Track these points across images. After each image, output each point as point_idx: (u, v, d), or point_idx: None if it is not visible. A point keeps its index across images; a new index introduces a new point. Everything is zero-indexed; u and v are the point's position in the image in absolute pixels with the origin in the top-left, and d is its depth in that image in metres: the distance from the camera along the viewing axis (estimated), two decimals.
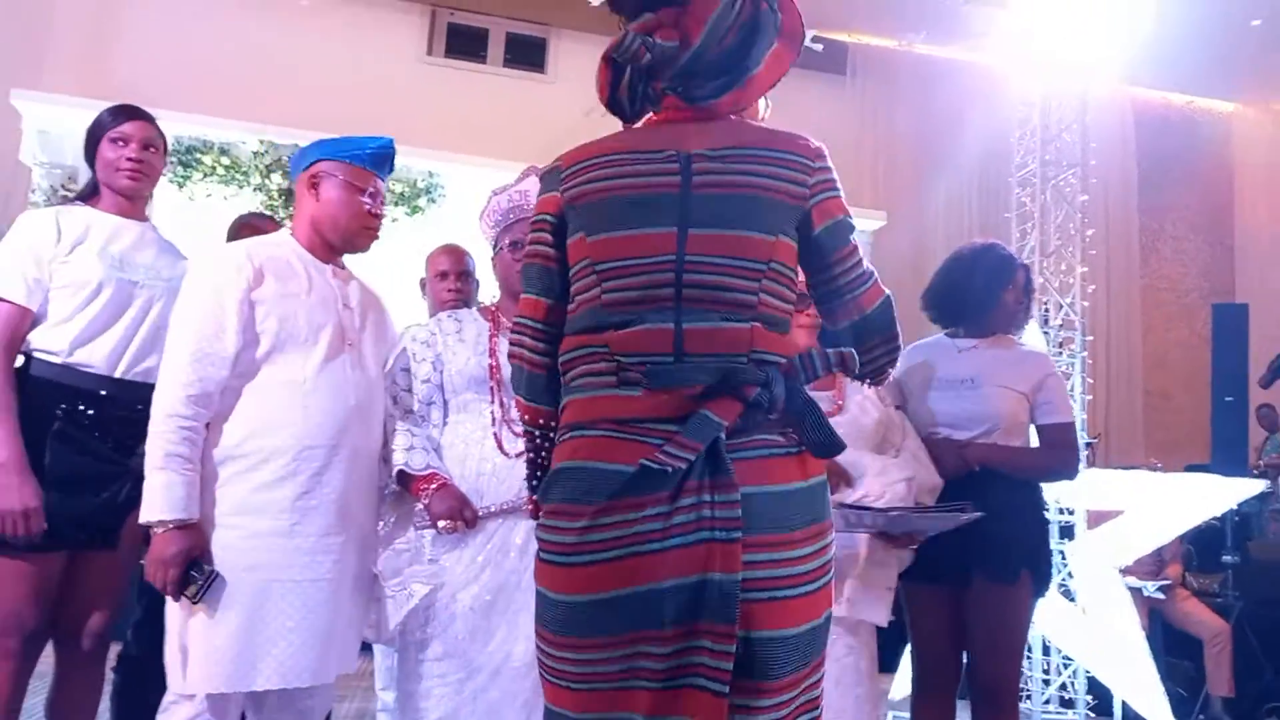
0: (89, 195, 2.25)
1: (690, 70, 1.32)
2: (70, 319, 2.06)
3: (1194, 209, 8.54)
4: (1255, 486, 4.28)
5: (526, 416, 1.46)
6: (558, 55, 6.74)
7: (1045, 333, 4.62)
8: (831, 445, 1.26)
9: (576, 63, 6.61)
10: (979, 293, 2.57)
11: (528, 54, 6.73)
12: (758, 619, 1.18)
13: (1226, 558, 5.06)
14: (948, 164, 6.97)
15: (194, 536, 1.78)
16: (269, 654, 1.81)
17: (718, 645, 1.16)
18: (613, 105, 1.40)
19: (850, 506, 2.07)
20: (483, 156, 5.75)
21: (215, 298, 1.88)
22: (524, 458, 1.52)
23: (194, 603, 1.78)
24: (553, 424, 1.42)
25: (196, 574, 1.77)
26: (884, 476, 2.25)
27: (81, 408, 2.05)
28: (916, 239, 6.85)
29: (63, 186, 5.61)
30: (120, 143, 2.18)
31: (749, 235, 1.27)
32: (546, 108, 6.41)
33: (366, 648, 2.72)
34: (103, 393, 2.04)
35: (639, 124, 1.44)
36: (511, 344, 1.46)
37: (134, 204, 2.23)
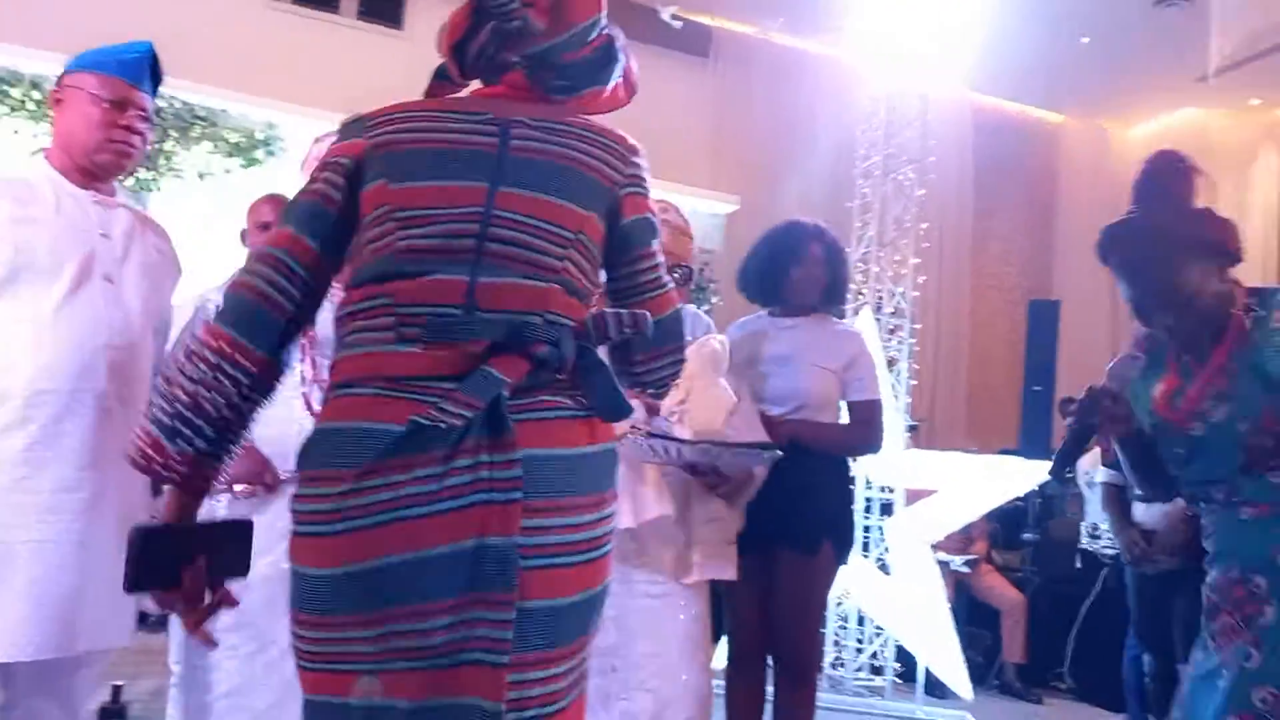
0: None
1: (545, 58, 1.31)
2: None
3: (1021, 211, 9.12)
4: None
5: (224, 347, 1.19)
6: (415, 11, 6.51)
7: (877, 319, 4.84)
8: (619, 409, 1.23)
9: (435, 19, 6.39)
10: (768, 269, 2.68)
11: (383, 8, 6.48)
12: (536, 587, 1.12)
13: (1027, 535, 5.47)
14: (800, 153, 7.16)
15: None
16: None
17: (496, 614, 1.08)
18: (455, 51, 1.34)
19: (658, 436, 2.03)
20: (329, 110, 5.49)
21: None
22: (174, 390, 1.19)
23: None
24: (249, 369, 1.20)
25: None
26: (708, 402, 2.26)
27: None
28: (768, 224, 7.00)
29: None
30: None
31: (562, 203, 1.23)
32: (400, 64, 6.17)
33: (164, 621, 2.56)
34: None
35: (462, 92, 1.38)
36: (243, 271, 1.26)
37: None
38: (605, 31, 1.36)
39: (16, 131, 5.30)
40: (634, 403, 1.52)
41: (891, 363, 4.75)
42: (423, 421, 1.09)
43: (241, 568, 1.29)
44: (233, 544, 1.28)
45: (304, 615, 1.15)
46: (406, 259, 1.19)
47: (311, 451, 1.18)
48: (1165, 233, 1.67)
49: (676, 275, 2.11)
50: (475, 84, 1.39)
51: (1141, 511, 3.33)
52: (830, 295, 2.73)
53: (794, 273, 2.65)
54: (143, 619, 1.97)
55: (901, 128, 5.19)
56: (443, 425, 1.09)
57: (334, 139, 2.11)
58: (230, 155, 5.51)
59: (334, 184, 1.28)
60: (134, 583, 1.18)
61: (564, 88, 1.34)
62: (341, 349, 1.24)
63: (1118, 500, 3.37)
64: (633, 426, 1.96)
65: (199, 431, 1.19)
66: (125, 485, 1.83)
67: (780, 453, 2.19)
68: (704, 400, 2.25)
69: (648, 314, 1.25)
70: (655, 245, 1.35)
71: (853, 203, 5.31)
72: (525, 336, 1.16)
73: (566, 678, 1.17)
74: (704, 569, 2.18)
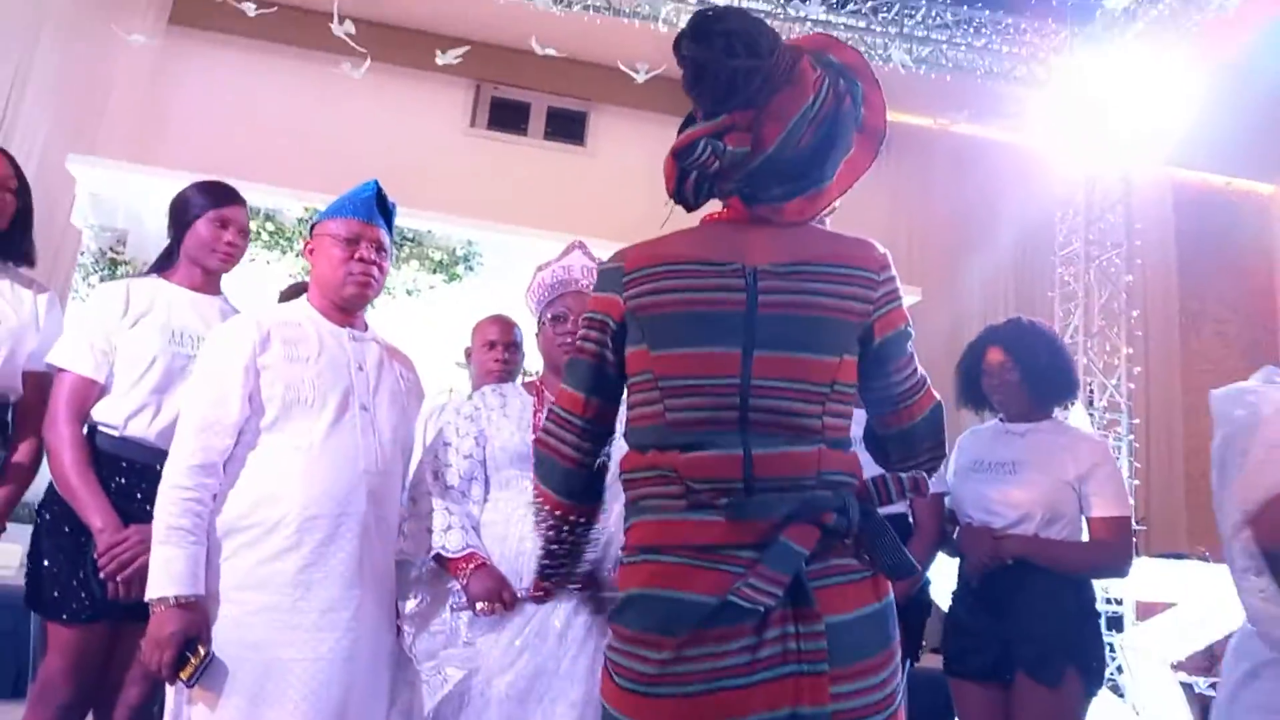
0: (163, 267, 2.27)
1: (759, 174, 1.30)
2: (126, 392, 2.07)
3: (1234, 290, 8.43)
4: None
5: (558, 511, 1.43)
6: (597, 129, 6.85)
7: (1090, 414, 4.54)
8: (905, 568, 1.25)
9: (615, 136, 6.72)
10: (965, 379, 2.55)
11: (568, 127, 6.85)
12: None
13: None
14: (984, 242, 6.95)
15: (193, 615, 1.70)
16: None
17: None
18: (678, 197, 1.39)
19: None
20: (521, 226, 5.82)
21: (220, 366, 1.84)
22: (543, 543, 1.49)
23: (188, 686, 1.69)
24: (583, 521, 1.43)
25: (191, 655, 1.68)
26: None
27: (134, 481, 2.03)
28: (953, 316, 6.80)
29: (110, 249, 5.73)
30: (221, 225, 2.20)
31: (814, 358, 1.26)
32: (585, 179, 6.51)
33: None
34: (156, 467, 1.97)
35: (700, 221, 1.42)
36: (545, 433, 1.42)
37: (209, 279, 2.25)
38: (822, 104, 1.29)
39: (253, 259, 5.88)
40: None
41: None
42: (740, 603, 1.15)
43: None
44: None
45: None
46: (679, 431, 1.26)
47: (628, 613, 1.25)
48: None
49: None
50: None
51: None
52: (1042, 396, 2.52)
53: (984, 381, 2.52)
54: None
55: (1102, 211, 4.96)
56: (760, 606, 1.15)
57: (555, 266, 2.22)
58: (434, 272, 5.89)
59: (600, 343, 1.38)
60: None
61: (784, 194, 1.32)
62: (634, 513, 1.31)
63: None
64: None
65: (553, 569, 1.51)
66: (381, 601, 1.93)
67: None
68: None
69: (927, 476, 1.29)
70: (910, 351, 1.35)
71: (1053, 292, 5.07)
72: (815, 506, 1.20)
73: None
74: None
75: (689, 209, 1.41)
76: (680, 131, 1.37)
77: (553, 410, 1.43)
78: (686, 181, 1.34)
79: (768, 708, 1.15)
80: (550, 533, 1.45)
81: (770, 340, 1.25)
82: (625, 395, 1.41)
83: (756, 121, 1.28)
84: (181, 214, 2.23)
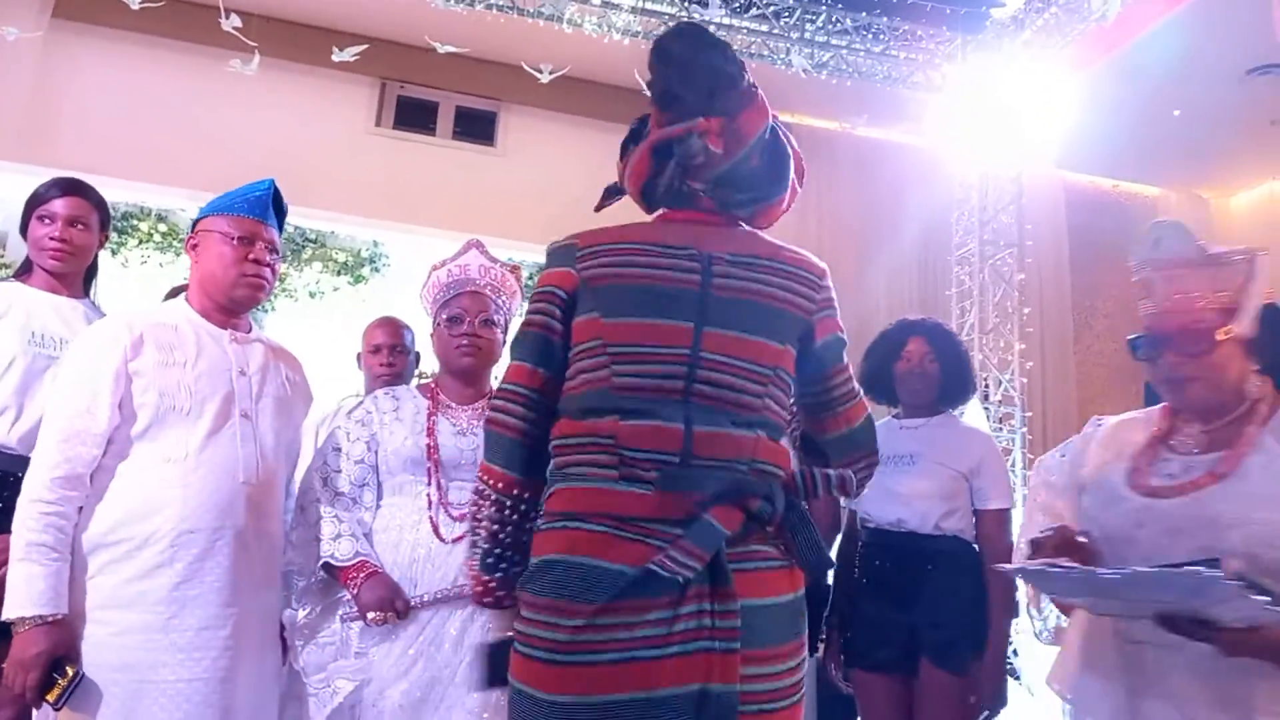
0: (22, 271, 2.17)
1: (729, 179, 1.37)
2: None
3: (1125, 286, 8.81)
4: None
5: (500, 485, 1.38)
6: (507, 128, 6.80)
7: (985, 408, 4.70)
8: (822, 564, 1.30)
9: (525, 136, 6.67)
10: (875, 369, 2.60)
11: (477, 127, 6.78)
12: None
13: None
14: (888, 243, 7.12)
15: (58, 634, 1.61)
16: None
17: None
18: (644, 193, 1.42)
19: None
20: (429, 226, 5.73)
21: (87, 371, 1.74)
22: (480, 528, 1.41)
23: (55, 709, 1.61)
24: (526, 495, 1.38)
25: (59, 676, 1.60)
26: None
27: None
28: (859, 317, 6.93)
29: None
30: (46, 220, 2.10)
31: (761, 340, 1.31)
32: (494, 179, 6.44)
33: None
34: (18, 475, 1.86)
35: (651, 219, 1.45)
36: (494, 409, 1.40)
37: (64, 280, 2.15)
38: (772, 135, 1.39)
39: (144, 261, 5.66)
40: None
41: (1004, 453, 4.58)
42: (659, 571, 1.17)
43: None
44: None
45: None
46: (622, 396, 1.27)
47: (542, 579, 1.25)
48: None
49: None
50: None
51: None
52: (948, 392, 2.61)
53: (898, 371, 2.57)
54: None
55: (995, 212, 5.14)
56: (679, 578, 1.17)
57: (451, 265, 2.19)
58: (339, 274, 5.76)
59: (553, 315, 1.38)
60: (490, 683, 1.39)
61: (745, 201, 1.40)
62: (560, 479, 1.31)
63: None
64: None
65: (499, 557, 1.38)
66: (263, 616, 1.86)
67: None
68: None
69: (853, 476, 1.34)
70: (845, 359, 1.42)
71: (950, 290, 5.23)
72: (742, 489, 1.23)
73: None
74: None
75: (649, 209, 1.45)
76: (628, 139, 1.43)
77: (500, 386, 1.41)
78: (662, 175, 1.37)
79: (678, 682, 1.17)
80: (494, 511, 1.38)
81: (721, 319, 1.30)
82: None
83: (727, 129, 1.35)
84: (24, 214, 2.14)
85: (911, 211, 6.89)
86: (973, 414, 4.42)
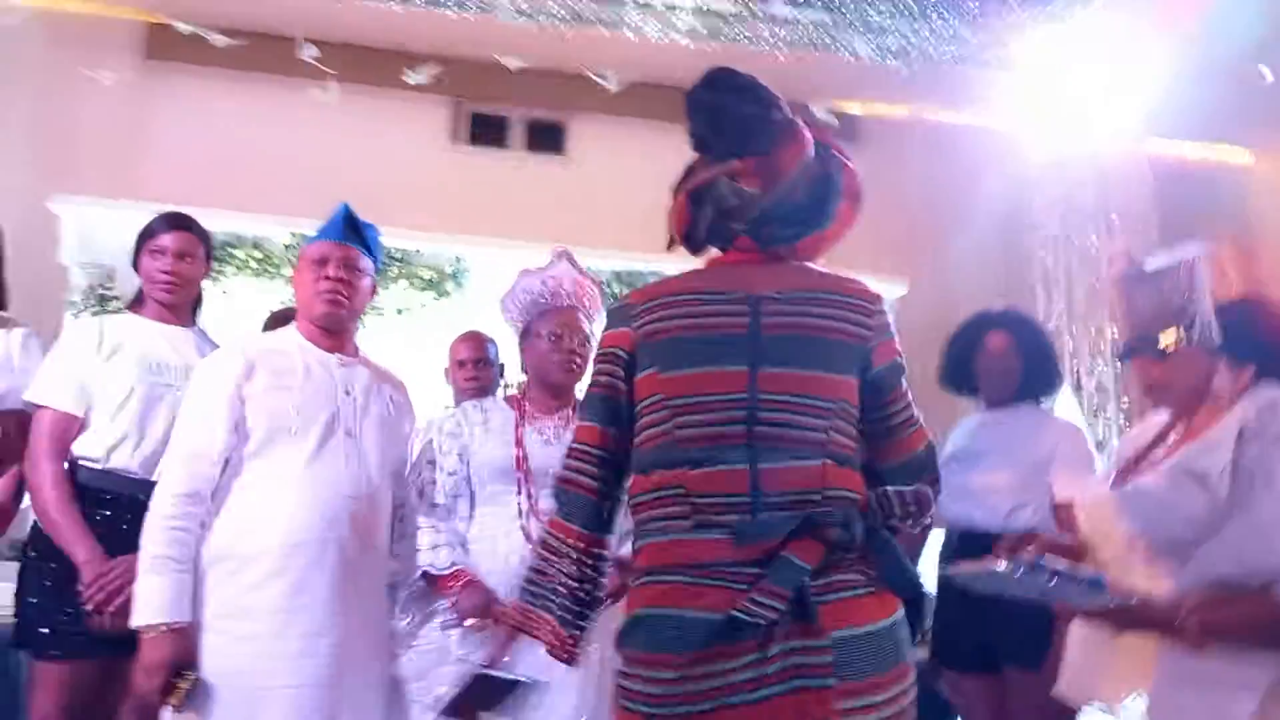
0: (135, 303, 2.31)
1: (769, 217, 1.39)
2: (106, 425, 2.10)
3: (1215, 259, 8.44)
4: None
5: (580, 543, 1.43)
6: (576, 138, 6.88)
7: (1078, 399, 4.56)
8: (910, 584, 1.30)
9: (594, 144, 6.74)
10: (955, 364, 2.57)
11: (547, 138, 6.88)
12: None
13: None
14: (966, 228, 6.95)
15: (181, 642, 1.74)
16: None
17: None
18: (689, 238, 1.45)
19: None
20: (507, 238, 5.84)
21: (206, 396, 1.89)
22: (558, 586, 1.44)
23: (178, 710, 1.74)
24: (602, 553, 1.45)
25: (179, 681, 1.73)
26: None
27: (119, 513, 2.07)
28: (940, 304, 6.81)
29: (100, 286, 5.76)
30: (157, 254, 2.24)
31: (818, 374, 1.33)
32: (567, 189, 6.53)
33: None
34: (140, 497, 2.03)
35: (704, 264, 1.49)
36: (568, 469, 1.47)
37: (174, 310, 2.28)
38: (815, 163, 1.41)
39: (243, 287, 5.90)
40: None
41: (1100, 446, 4.44)
42: (743, 618, 1.18)
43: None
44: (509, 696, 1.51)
45: None
46: (687, 448, 1.29)
47: (634, 634, 1.29)
48: None
49: None
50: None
51: None
52: (1031, 383, 2.56)
53: (978, 366, 2.54)
54: None
55: (1077, 191, 4.98)
56: (762, 620, 1.18)
57: (545, 275, 2.24)
58: (424, 290, 5.92)
59: (614, 375, 1.43)
60: (455, 710, 1.50)
61: (789, 236, 1.42)
62: (641, 537, 1.35)
63: None
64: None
65: (581, 616, 1.43)
66: (368, 625, 1.96)
67: None
68: None
69: (930, 491, 1.34)
70: (904, 385, 1.44)
71: (1034, 277, 5.09)
72: (818, 521, 1.24)
73: None
74: None
75: (695, 252, 1.48)
76: (681, 183, 1.46)
77: (571, 447, 1.48)
78: (701, 221, 1.41)
79: None
80: (574, 569, 1.43)
81: (775, 358, 1.32)
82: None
83: (763, 167, 1.38)
84: (135, 249, 2.28)
85: (988, 195, 6.71)
86: (1064, 406, 4.30)
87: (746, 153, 1.37)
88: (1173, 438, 1.61)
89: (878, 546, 1.29)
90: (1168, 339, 1.53)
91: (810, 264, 1.46)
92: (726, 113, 1.38)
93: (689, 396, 1.32)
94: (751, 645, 1.20)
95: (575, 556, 1.42)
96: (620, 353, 1.42)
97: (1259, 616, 1.34)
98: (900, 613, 1.32)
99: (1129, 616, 1.42)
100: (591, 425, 1.45)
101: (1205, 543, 1.40)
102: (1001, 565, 1.31)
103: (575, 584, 1.42)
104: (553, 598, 1.42)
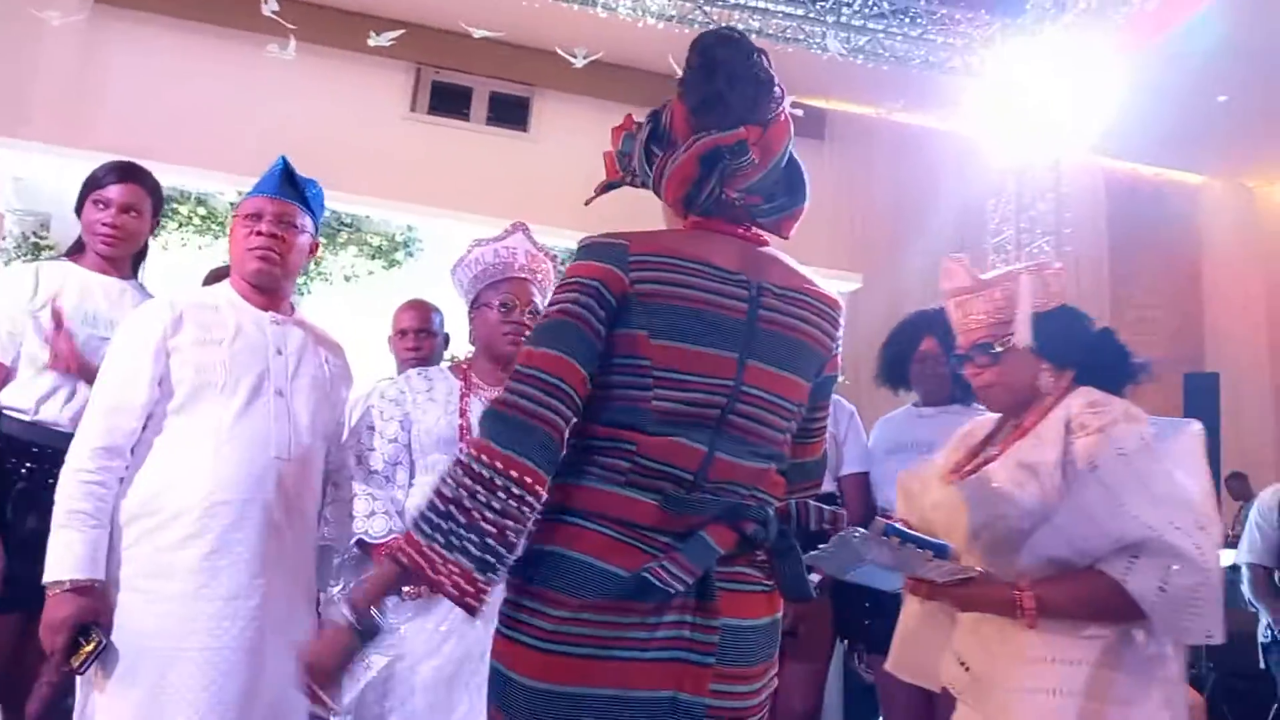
0: (74, 251, 2.22)
1: (757, 189, 1.37)
2: (35, 377, 2.01)
3: (1162, 278, 8.69)
4: (1226, 557, 4.28)
5: (530, 481, 1.21)
6: (540, 114, 6.81)
7: None
8: (803, 593, 1.33)
9: (558, 121, 6.68)
10: (892, 362, 2.65)
11: (511, 112, 6.80)
12: None
13: None
14: (924, 228, 7.04)
15: (88, 600, 1.67)
16: None
17: None
18: (686, 199, 1.37)
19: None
20: (463, 211, 5.76)
21: (130, 348, 1.80)
22: (485, 525, 1.21)
23: (78, 673, 1.67)
24: (541, 493, 1.24)
25: (85, 641, 1.65)
26: None
27: (46, 467, 1.98)
28: (892, 302, 6.89)
29: (34, 234, 5.55)
30: (101, 205, 2.14)
31: (793, 378, 1.34)
32: (528, 165, 6.47)
33: None
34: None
35: (690, 225, 1.38)
36: (533, 401, 1.24)
37: (114, 262, 2.19)
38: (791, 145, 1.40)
39: (184, 244, 5.74)
40: None
41: None
42: (652, 581, 1.18)
43: None
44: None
45: (504, 717, 1.23)
46: (657, 418, 1.26)
47: (535, 567, 1.25)
48: None
49: None
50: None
51: None
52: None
53: (913, 367, 2.60)
54: None
55: (1033, 199, 5.07)
56: (669, 589, 1.19)
57: (498, 246, 2.18)
58: (373, 258, 5.81)
59: (597, 316, 1.27)
60: None
61: (770, 210, 1.39)
62: (574, 476, 1.28)
63: (1267, 583, 3.17)
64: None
65: (502, 560, 1.19)
66: (294, 589, 1.89)
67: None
68: None
69: (845, 514, 1.37)
70: (831, 395, 1.47)
71: None
72: (739, 513, 1.26)
73: None
74: None
75: (684, 215, 1.39)
76: (649, 141, 1.40)
77: (538, 376, 1.26)
78: (707, 182, 1.35)
79: (650, 686, 1.20)
80: (514, 508, 1.20)
81: (763, 353, 1.31)
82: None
83: (761, 139, 1.34)
84: (80, 196, 2.19)
85: (948, 198, 6.81)
86: None
87: (754, 120, 1.33)
88: (1003, 435, 1.72)
89: (783, 551, 1.31)
90: (999, 344, 1.66)
91: (791, 261, 1.43)
92: (747, 75, 1.33)
93: (677, 372, 1.27)
94: (647, 608, 1.21)
95: (519, 495, 1.20)
96: (605, 292, 1.27)
97: (1088, 593, 1.48)
98: (780, 613, 1.36)
99: (969, 594, 1.56)
100: (570, 362, 1.25)
101: (1038, 530, 1.53)
102: (857, 535, 1.39)
103: (510, 524, 1.19)
104: (472, 538, 1.19)
